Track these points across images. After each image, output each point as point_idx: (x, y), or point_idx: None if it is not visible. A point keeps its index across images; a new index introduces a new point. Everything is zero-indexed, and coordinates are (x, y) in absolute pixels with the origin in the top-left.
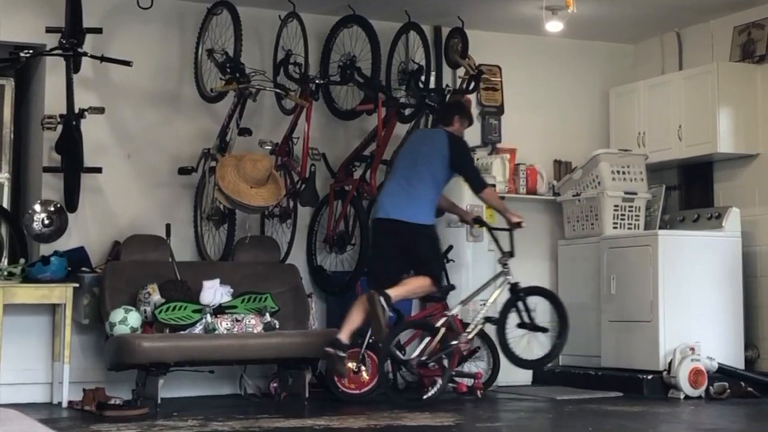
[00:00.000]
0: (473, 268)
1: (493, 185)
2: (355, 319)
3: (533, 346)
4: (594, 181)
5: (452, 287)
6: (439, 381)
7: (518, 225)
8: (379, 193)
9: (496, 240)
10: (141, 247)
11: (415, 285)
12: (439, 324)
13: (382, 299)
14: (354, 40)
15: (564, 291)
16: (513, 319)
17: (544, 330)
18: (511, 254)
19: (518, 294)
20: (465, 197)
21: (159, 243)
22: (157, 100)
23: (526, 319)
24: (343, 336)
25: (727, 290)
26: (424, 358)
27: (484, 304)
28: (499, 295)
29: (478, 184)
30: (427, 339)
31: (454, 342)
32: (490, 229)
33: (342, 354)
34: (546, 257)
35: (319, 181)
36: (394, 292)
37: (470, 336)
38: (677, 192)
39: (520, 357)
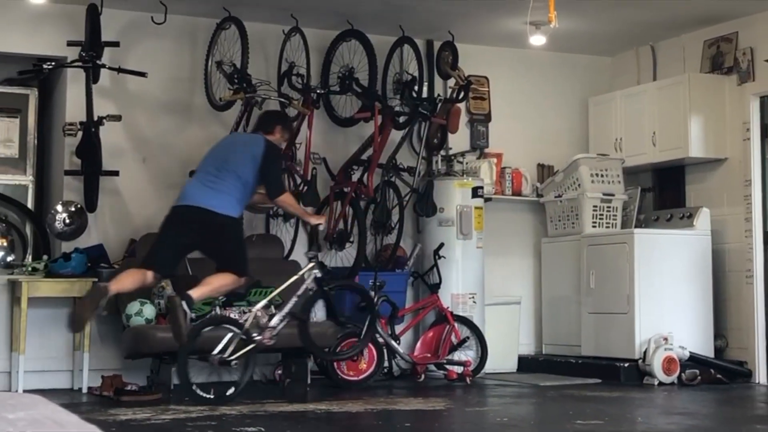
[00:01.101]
0: (462, 264)
1: (293, 190)
2: (125, 282)
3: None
4: (574, 183)
5: (258, 282)
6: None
7: (317, 226)
8: (184, 186)
9: (310, 234)
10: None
11: (219, 283)
12: (243, 320)
13: (184, 304)
14: (352, 53)
15: (547, 285)
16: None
17: (342, 325)
18: (320, 250)
19: (323, 289)
20: (456, 199)
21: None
22: (170, 109)
23: (331, 313)
24: (114, 287)
25: (697, 284)
26: (226, 355)
27: (472, 299)
28: (305, 289)
29: (276, 189)
30: (230, 335)
31: (257, 338)
32: (303, 223)
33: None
34: (530, 254)
35: (320, 183)
36: (197, 293)
37: (275, 332)
38: (651, 193)
39: (322, 348)
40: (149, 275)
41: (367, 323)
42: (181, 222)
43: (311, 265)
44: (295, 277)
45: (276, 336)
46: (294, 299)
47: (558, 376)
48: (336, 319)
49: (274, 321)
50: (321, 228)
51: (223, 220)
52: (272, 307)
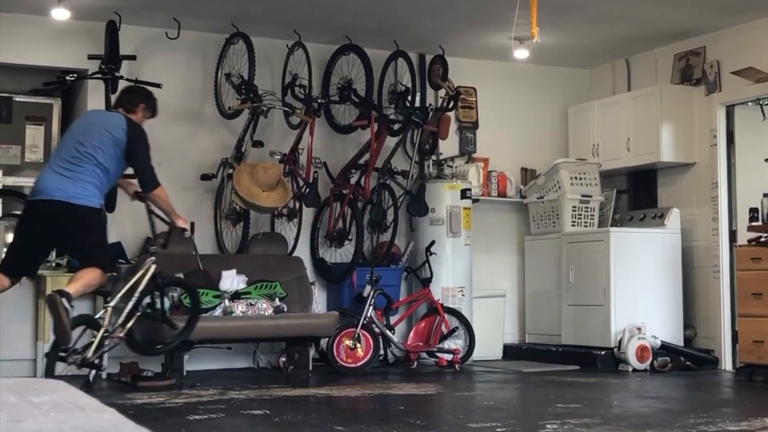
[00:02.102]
0: (452, 260)
1: (296, 192)
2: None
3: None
4: (555, 185)
5: (115, 275)
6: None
7: (182, 230)
8: (39, 175)
9: (152, 223)
10: (169, 242)
11: (89, 278)
12: (98, 316)
13: (65, 301)
14: (351, 66)
15: (530, 280)
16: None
17: (172, 325)
18: (164, 246)
19: (158, 283)
20: (446, 200)
21: (184, 239)
22: (182, 117)
23: (158, 308)
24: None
25: (668, 279)
26: (89, 355)
27: (461, 292)
28: (146, 283)
29: (150, 181)
30: (92, 333)
31: (114, 336)
32: (149, 210)
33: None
34: (514, 251)
35: (321, 185)
36: (73, 288)
37: (125, 328)
38: (626, 195)
39: (138, 342)
40: (5, 281)
41: (187, 320)
42: (37, 220)
43: (152, 259)
44: (139, 273)
45: (125, 331)
46: (137, 295)
47: (540, 363)
48: (165, 318)
49: (122, 318)
50: (186, 234)
51: (83, 212)
52: (277, 299)
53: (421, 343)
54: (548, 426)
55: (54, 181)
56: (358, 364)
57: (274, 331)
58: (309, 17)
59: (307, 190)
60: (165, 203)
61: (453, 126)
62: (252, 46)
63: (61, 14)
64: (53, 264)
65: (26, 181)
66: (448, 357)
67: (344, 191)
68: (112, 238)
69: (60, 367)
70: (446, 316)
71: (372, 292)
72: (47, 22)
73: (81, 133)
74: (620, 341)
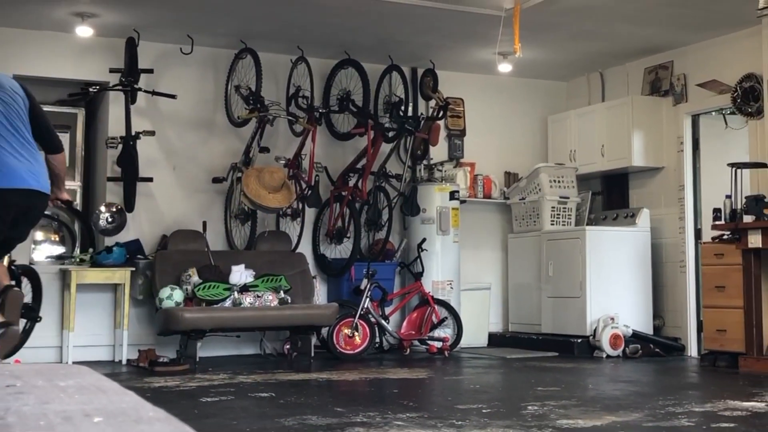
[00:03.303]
0: (441, 256)
1: (300, 194)
2: None
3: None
4: (536, 188)
5: (133, 270)
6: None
7: (69, 202)
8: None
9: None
10: (183, 240)
11: (3, 270)
12: None
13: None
14: (349, 78)
15: (512, 274)
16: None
17: (33, 319)
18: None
19: (13, 271)
20: (436, 201)
21: (197, 236)
22: (195, 125)
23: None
24: None
25: (639, 273)
26: None
27: (450, 285)
28: None
29: (59, 144)
30: None
31: None
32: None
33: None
34: (498, 248)
35: (322, 188)
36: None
37: None
38: (600, 196)
39: None
40: None
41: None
42: (16, 209)
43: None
44: None
45: None
46: None
47: (522, 350)
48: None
49: None
50: (72, 205)
51: (45, 203)
52: (281, 291)
53: (413, 332)
54: (529, 407)
55: (22, 165)
56: (356, 350)
57: (279, 321)
58: (311, 34)
59: (309, 191)
60: (64, 170)
61: (442, 133)
62: (259, 60)
63: (84, 31)
64: (77, 260)
65: None
66: (438, 344)
67: (343, 193)
68: (130, 236)
69: None
70: (436, 307)
71: (369, 285)
72: (72, 39)
73: (7, 106)
74: (595, 330)
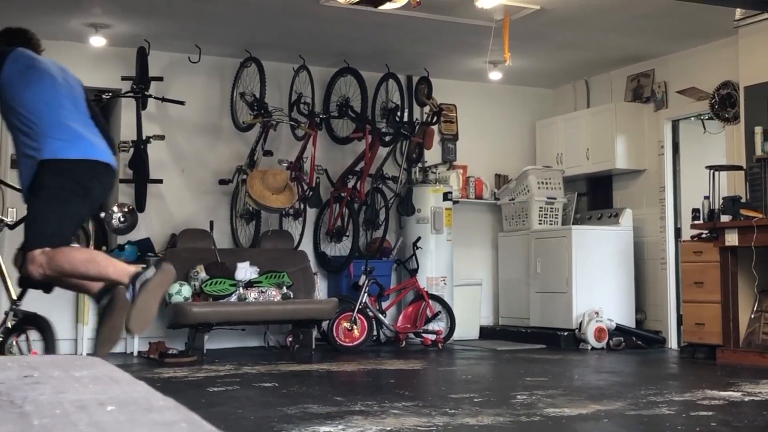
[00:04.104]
0: (435, 253)
1: (301, 195)
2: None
3: None
4: (525, 189)
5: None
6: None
7: None
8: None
9: None
10: (191, 238)
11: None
12: None
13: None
14: (348, 86)
15: (503, 270)
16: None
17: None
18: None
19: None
20: (430, 202)
21: (205, 235)
22: (203, 130)
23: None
24: None
25: (622, 269)
26: None
27: (443, 281)
28: None
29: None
30: None
31: None
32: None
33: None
34: (489, 246)
35: (322, 189)
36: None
37: None
38: (586, 197)
39: None
40: None
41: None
42: (96, 181)
43: None
44: None
45: None
46: None
47: (511, 343)
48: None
49: None
50: None
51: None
52: (284, 287)
53: (408, 325)
54: (518, 397)
55: (97, 139)
56: (355, 343)
57: (282, 315)
58: (312, 44)
59: (311, 193)
60: None
61: (436, 138)
62: (263, 68)
63: (98, 41)
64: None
65: None
66: (432, 337)
67: (342, 194)
68: (142, 234)
69: None
70: (430, 301)
71: (367, 281)
72: (86, 48)
73: (72, 88)
74: (580, 323)
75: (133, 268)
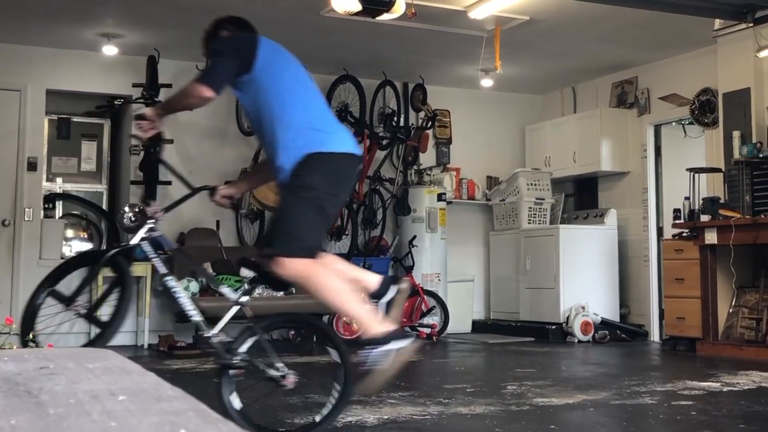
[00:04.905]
0: (430, 251)
1: None
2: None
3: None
4: (515, 190)
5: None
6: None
7: None
8: (315, 117)
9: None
10: (199, 237)
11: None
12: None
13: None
14: (347, 92)
15: (494, 267)
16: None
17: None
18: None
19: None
20: (425, 202)
21: (212, 234)
22: (209, 134)
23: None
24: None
25: (607, 266)
26: None
27: (437, 277)
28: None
29: None
30: None
31: None
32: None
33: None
34: (481, 244)
35: None
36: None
37: None
38: (572, 198)
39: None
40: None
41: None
42: (349, 179)
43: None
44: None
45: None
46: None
47: (502, 336)
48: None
49: None
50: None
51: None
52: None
53: (405, 319)
54: (509, 387)
55: (347, 130)
56: (354, 336)
57: (285, 309)
58: (313, 53)
59: None
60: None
61: (431, 141)
62: None
63: (110, 50)
64: None
65: (82, 187)
66: (427, 330)
67: None
68: None
69: None
70: (425, 297)
71: None
72: (99, 57)
73: (305, 74)
74: (568, 317)
75: (382, 326)
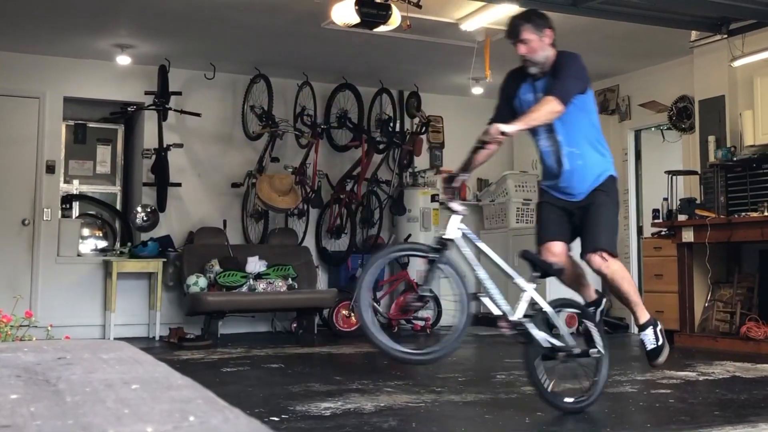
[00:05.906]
0: None
1: (305, 196)
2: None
3: None
4: (504, 191)
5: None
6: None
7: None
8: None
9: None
10: (207, 235)
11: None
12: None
13: None
14: (346, 100)
15: (485, 264)
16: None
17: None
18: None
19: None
20: (419, 203)
21: (219, 232)
22: (217, 139)
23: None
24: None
25: None
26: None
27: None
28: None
29: None
30: None
31: None
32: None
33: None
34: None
35: (323, 191)
36: None
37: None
38: None
39: None
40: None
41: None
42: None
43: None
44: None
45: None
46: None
47: (492, 329)
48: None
49: None
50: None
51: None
52: (290, 279)
53: (400, 313)
54: (498, 376)
55: None
56: (353, 328)
57: (288, 303)
58: (314, 63)
59: (313, 195)
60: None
61: (425, 146)
62: (270, 84)
63: (123, 60)
64: (118, 252)
65: (97, 189)
66: (422, 323)
67: (341, 196)
68: (162, 232)
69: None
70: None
71: None
72: (113, 66)
73: None
74: None
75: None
